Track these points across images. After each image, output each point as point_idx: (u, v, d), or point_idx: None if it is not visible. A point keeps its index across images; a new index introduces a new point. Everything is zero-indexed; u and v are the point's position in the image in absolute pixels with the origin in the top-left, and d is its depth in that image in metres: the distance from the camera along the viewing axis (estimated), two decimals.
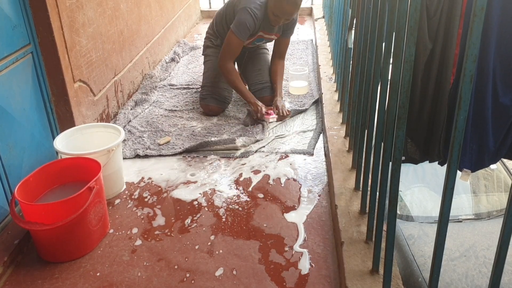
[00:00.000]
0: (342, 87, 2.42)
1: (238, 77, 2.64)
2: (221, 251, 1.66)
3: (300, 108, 2.75)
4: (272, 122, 2.58)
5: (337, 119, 2.42)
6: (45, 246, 1.63)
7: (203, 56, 2.95)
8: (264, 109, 2.55)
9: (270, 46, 3.01)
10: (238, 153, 2.30)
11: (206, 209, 1.91)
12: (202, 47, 3.03)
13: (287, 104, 2.81)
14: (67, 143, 1.96)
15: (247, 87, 2.85)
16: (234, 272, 1.56)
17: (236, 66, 3.07)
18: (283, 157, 2.28)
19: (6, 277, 1.58)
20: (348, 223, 1.61)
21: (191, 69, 3.56)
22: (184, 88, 3.16)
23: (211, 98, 2.71)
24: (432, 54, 1.56)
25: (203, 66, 2.94)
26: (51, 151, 2.07)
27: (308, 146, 2.35)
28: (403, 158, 1.74)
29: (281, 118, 2.59)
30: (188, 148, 2.33)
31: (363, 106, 1.66)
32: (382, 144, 1.28)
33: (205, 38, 2.94)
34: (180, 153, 2.33)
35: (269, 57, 2.96)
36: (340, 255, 1.50)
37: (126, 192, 2.05)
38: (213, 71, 2.78)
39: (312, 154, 2.28)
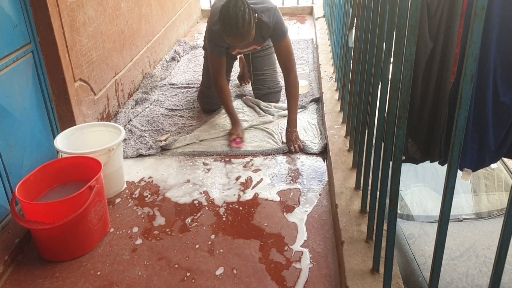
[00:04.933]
0: (342, 86, 2.42)
1: (227, 95, 2.51)
2: (221, 250, 1.66)
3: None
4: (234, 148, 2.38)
5: (337, 118, 2.42)
6: (45, 245, 1.63)
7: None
8: (235, 136, 2.39)
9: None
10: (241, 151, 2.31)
11: (207, 208, 1.91)
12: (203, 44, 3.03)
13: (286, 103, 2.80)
14: (67, 142, 1.96)
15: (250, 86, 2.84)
16: (235, 271, 1.56)
17: (236, 68, 3.07)
18: (284, 156, 2.28)
19: (7, 276, 1.58)
20: (349, 223, 1.61)
21: (191, 68, 3.56)
22: (185, 87, 3.16)
23: (205, 96, 2.74)
24: (432, 53, 1.55)
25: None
26: (51, 150, 2.07)
27: (315, 145, 2.35)
28: (404, 157, 1.74)
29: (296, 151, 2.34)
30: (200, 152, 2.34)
31: (363, 105, 1.65)
32: (383, 143, 1.28)
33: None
34: (181, 153, 2.34)
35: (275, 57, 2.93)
36: (341, 254, 1.50)
37: (127, 191, 2.05)
38: (206, 70, 2.78)
39: (318, 154, 2.28)
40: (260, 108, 2.73)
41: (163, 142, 2.40)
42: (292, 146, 2.32)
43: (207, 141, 2.43)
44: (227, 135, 2.47)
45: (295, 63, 2.50)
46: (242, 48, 2.53)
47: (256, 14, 2.25)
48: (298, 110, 2.72)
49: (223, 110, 2.75)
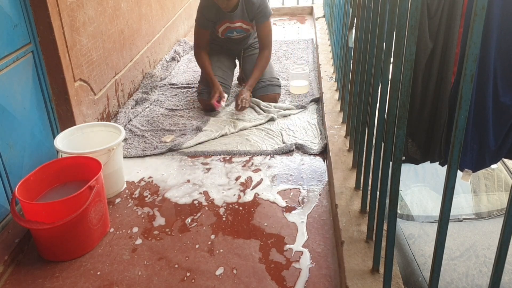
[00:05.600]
0: (342, 86, 2.42)
1: (206, 61, 2.76)
2: (221, 250, 1.66)
3: (294, 107, 2.77)
4: (219, 111, 2.71)
5: (337, 118, 2.42)
6: (45, 245, 1.63)
7: None
8: (216, 96, 2.65)
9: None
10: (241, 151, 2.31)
11: (207, 208, 1.91)
12: None
13: (286, 103, 2.81)
14: (67, 142, 1.96)
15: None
16: (235, 271, 1.56)
17: (238, 68, 3.09)
18: (284, 156, 2.28)
19: (7, 276, 1.59)
20: (349, 223, 1.61)
21: (191, 68, 3.56)
22: (185, 87, 3.16)
23: (206, 93, 2.75)
24: (432, 53, 1.55)
25: None
26: (51, 150, 2.07)
27: (315, 145, 2.35)
28: (404, 158, 1.74)
29: (241, 109, 2.64)
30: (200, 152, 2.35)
31: (363, 105, 1.65)
32: (383, 143, 1.28)
33: None
34: (181, 153, 2.34)
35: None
36: (341, 254, 1.50)
37: (127, 191, 2.05)
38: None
39: (318, 154, 2.28)
40: (260, 108, 2.73)
41: (169, 143, 2.39)
42: (239, 100, 2.62)
43: (207, 141, 2.43)
44: (210, 96, 2.67)
45: (272, 45, 2.81)
46: (230, 23, 2.70)
47: None
48: (298, 110, 2.73)
49: (224, 110, 2.76)
